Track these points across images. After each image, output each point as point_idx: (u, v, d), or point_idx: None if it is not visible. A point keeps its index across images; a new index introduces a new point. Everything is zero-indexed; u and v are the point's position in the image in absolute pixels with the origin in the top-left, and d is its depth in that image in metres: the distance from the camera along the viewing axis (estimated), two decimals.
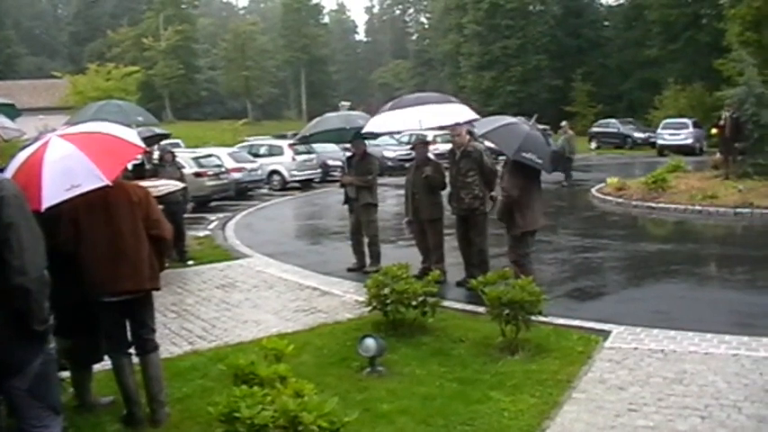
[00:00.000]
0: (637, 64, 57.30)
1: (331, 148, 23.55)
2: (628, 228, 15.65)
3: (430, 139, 10.63)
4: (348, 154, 11.26)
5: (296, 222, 19.28)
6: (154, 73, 70.32)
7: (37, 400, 3.68)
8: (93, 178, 4.50)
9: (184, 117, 72.54)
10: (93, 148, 4.68)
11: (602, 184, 20.55)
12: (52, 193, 4.32)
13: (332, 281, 10.30)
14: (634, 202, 17.71)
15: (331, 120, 11.70)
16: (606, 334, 7.09)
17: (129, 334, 5.30)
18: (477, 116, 9.71)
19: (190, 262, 11.93)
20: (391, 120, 9.71)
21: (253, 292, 9.79)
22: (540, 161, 8.08)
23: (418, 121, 9.36)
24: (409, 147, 23.81)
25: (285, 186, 26.48)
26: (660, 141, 37.06)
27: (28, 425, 3.70)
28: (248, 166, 24.97)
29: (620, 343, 6.82)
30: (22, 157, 4.64)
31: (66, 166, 4.51)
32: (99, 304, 5.07)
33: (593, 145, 44.70)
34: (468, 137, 9.58)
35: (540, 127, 8.67)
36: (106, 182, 4.53)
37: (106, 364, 5.45)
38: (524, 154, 7.99)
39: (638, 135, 43.62)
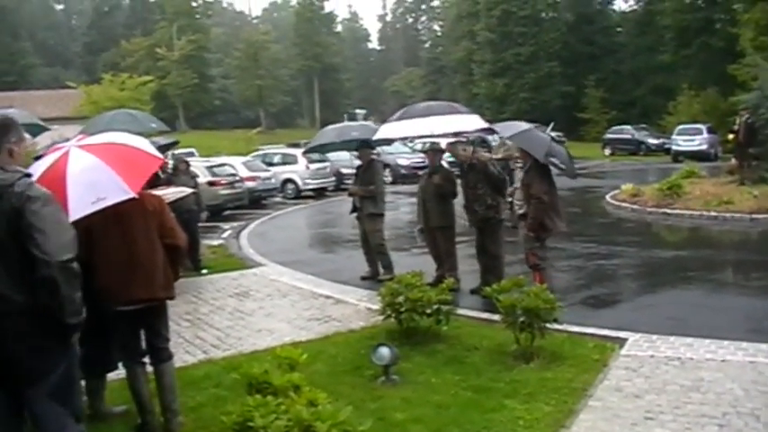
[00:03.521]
0: (650, 70, 57.23)
1: (345, 156, 23.67)
2: (642, 234, 15.57)
3: (443, 146, 10.62)
4: (356, 162, 11.31)
5: (310, 231, 19.32)
6: (167, 82, 70.52)
7: (60, 405, 3.67)
8: (118, 191, 4.49)
9: (198, 126, 72.78)
10: (116, 159, 4.67)
11: (617, 191, 20.47)
12: (79, 207, 4.30)
13: (345, 289, 10.31)
14: (649, 209, 17.61)
15: (327, 133, 11.99)
16: (622, 341, 7.04)
17: (142, 343, 5.30)
18: (487, 125, 9.77)
19: (204, 271, 11.95)
20: (400, 128, 9.88)
21: (266, 301, 9.80)
22: (564, 167, 8.43)
23: (429, 130, 9.46)
24: (423, 154, 23.87)
25: (299, 195, 26.65)
26: (674, 147, 36.96)
27: None
28: (262, 174, 25.10)
29: (636, 350, 6.77)
30: (40, 168, 4.58)
31: (91, 178, 4.48)
32: (113, 313, 5.07)
33: (607, 151, 44.68)
34: (469, 149, 9.56)
35: (554, 134, 8.73)
36: (131, 194, 4.52)
37: (120, 372, 5.47)
38: (552, 159, 8.26)
39: (652, 141, 43.62)
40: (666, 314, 8.29)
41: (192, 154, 28.41)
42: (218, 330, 8.32)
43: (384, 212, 11.02)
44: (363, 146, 10.78)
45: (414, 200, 10.90)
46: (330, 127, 12.65)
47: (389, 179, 27.24)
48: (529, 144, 8.49)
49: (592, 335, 7.36)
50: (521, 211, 8.61)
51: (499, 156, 11.31)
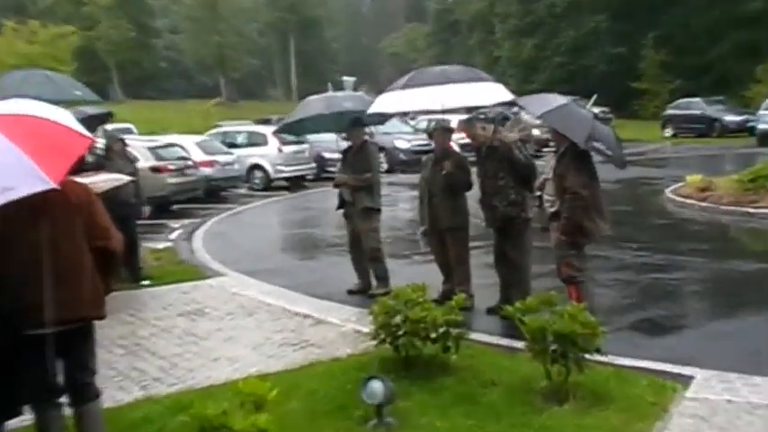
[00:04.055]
0: (731, 23, 55.90)
1: (327, 137, 23.75)
2: (715, 240, 15.57)
3: (454, 124, 10.64)
4: (344, 144, 11.34)
5: (283, 231, 19.54)
6: (95, 36, 70.28)
7: None
8: (33, 180, 4.37)
9: (138, 95, 72.71)
10: (28, 137, 4.58)
11: (680, 184, 20.44)
12: None
13: (328, 306, 10.40)
14: (724, 207, 17.59)
15: (311, 105, 11.90)
16: (687, 380, 7.02)
17: (61, 377, 5.26)
18: (512, 97, 9.79)
19: (145, 282, 12.04)
20: (405, 99, 9.88)
21: (226, 321, 9.87)
22: (609, 153, 8.35)
23: (440, 103, 9.41)
24: (427, 135, 23.86)
25: (269, 185, 27.00)
26: (762, 126, 36.48)
27: None
28: (222, 159, 25.32)
29: (707, 393, 6.74)
30: None
31: None
32: (20, 338, 5.02)
33: (669, 132, 44.55)
34: (489, 128, 9.54)
35: (597, 110, 8.72)
36: (51, 184, 4.40)
37: (25, 419, 5.42)
38: (595, 143, 8.21)
39: (730, 118, 43.20)
40: (747, 346, 8.24)
41: (129, 131, 28.50)
42: (163, 359, 8.34)
43: (381, 208, 11.12)
44: (356, 123, 10.83)
45: (415, 193, 10.93)
46: (314, 97, 12.54)
47: (385, 167, 27.28)
48: (564, 123, 8.50)
49: (646, 370, 7.36)
50: (552, 209, 8.60)
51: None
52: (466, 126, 9.78)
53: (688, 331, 9.33)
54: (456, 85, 9.59)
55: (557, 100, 8.96)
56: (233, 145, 27.57)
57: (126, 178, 9.51)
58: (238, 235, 17.72)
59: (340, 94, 13.96)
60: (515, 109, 12.88)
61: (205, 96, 65.68)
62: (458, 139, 10.70)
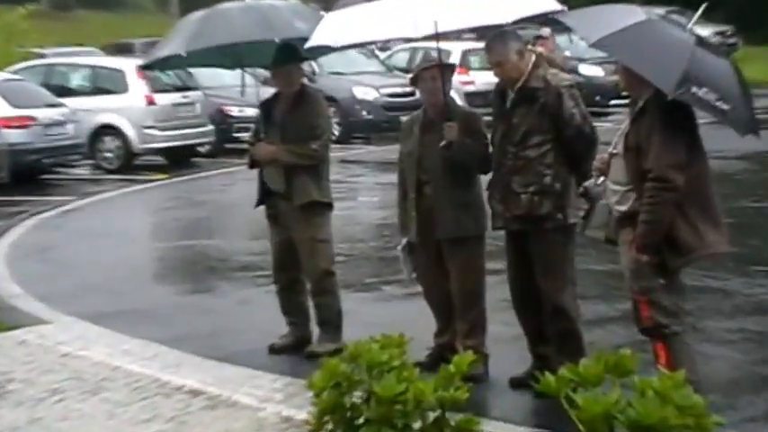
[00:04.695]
0: None
1: (231, 78, 23.64)
2: None
3: (455, 58, 10.68)
4: (266, 93, 11.48)
5: (156, 244, 19.69)
6: None
7: None
8: None
9: None
10: None
11: None
12: None
13: (235, 374, 10.42)
14: None
15: (232, 17, 11.48)
16: None
17: None
18: (558, 6, 9.85)
19: None
20: (371, 19, 9.79)
21: (48, 405, 9.74)
22: (725, 107, 7.98)
23: (431, 23, 9.23)
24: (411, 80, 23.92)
25: (131, 162, 27.20)
26: None
27: None
28: (43, 114, 25.23)
29: None
30: None
31: None
32: None
33: None
34: (527, 56, 9.33)
35: (707, 32, 8.80)
36: None
37: None
38: (698, 90, 7.84)
39: None
40: None
41: None
42: None
43: (333, 203, 11.20)
44: (287, 54, 10.77)
45: (392, 179, 11.06)
46: (234, 5, 12.07)
47: (336, 131, 26.95)
48: (642, 56, 8.23)
49: None
50: (622, 208, 8.33)
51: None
52: (494, 45, 9.39)
53: None
54: None
55: (630, 15, 8.55)
56: (64, 90, 27.49)
57: None
58: (75, 251, 17.70)
59: (280, 3, 13.17)
60: (544, 30, 12.67)
61: (10, 2, 65.42)
62: (462, 83, 10.70)
